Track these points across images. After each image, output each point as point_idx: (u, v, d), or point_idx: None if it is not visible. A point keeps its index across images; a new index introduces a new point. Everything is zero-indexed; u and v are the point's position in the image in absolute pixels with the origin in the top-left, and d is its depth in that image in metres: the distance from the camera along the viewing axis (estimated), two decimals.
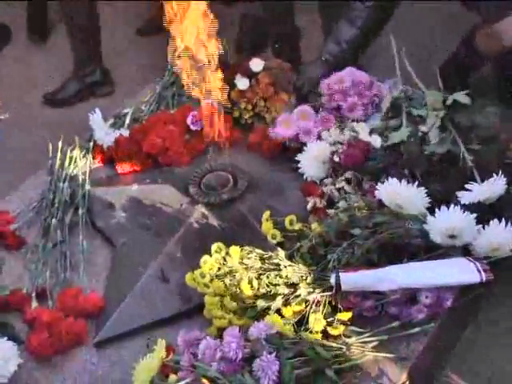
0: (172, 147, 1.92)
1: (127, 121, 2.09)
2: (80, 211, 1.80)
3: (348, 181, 1.67)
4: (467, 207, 1.44)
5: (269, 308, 1.41)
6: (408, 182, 1.50)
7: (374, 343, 1.37)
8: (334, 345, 1.34)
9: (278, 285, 1.42)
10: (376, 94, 1.87)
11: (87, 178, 1.91)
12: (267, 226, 1.59)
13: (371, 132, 1.73)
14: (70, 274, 1.67)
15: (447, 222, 1.41)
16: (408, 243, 1.44)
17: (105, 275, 1.66)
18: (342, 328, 1.37)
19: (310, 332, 1.36)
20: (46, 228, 1.78)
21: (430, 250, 1.44)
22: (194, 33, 1.66)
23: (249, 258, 1.47)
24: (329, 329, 1.37)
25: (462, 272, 1.39)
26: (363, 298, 1.40)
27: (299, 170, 1.79)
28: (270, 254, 1.49)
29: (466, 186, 1.48)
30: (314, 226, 1.55)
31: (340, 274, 1.38)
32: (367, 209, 1.53)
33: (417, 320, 1.39)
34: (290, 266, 1.45)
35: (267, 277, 1.43)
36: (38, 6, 3.40)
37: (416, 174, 1.57)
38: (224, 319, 1.42)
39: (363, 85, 1.86)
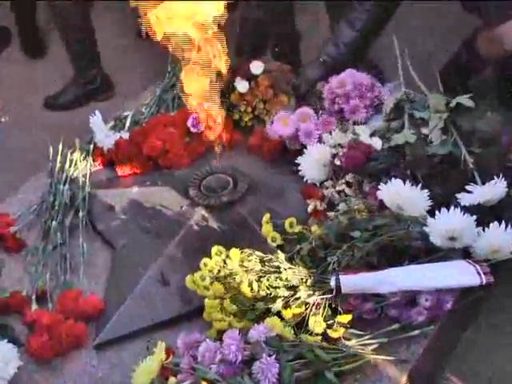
0: (172, 150, 1.92)
1: (127, 123, 2.09)
2: (80, 213, 1.80)
3: (348, 184, 1.67)
4: (467, 209, 1.44)
5: (269, 310, 1.41)
6: (411, 184, 1.50)
7: (374, 346, 1.36)
8: (333, 347, 1.34)
9: (278, 287, 1.42)
10: (377, 96, 1.86)
11: (87, 180, 1.91)
12: (267, 229, 1.59)
13: (373, 134, 1.73)
14: (70, 277, 1.67)
15: (447, 224, 1.40)
16: (408, 246, 1.44)
17: (105, 277, 1.66)
18: (341, 330, 1.37)
19: (310, 334, 1.36)
20: (46, 230, 1.79)
21: (430, 253, 1.43)
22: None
23: (249, 261, 1.47)
24: (329, 331, 1.36)
25: (461, 274, 1.38)
26: (363, 301, 1.39)
27: (299, 173, 1.79)
28: (270, 256, 1.49)
29: (466, 187, 1.48)
30: (314, 228, 1.55)
31: (340, 276, 1.38)
32: (367, 211, 1.53)
33: (417, 322, 1.38)
34: (289, 268, 1.45)
35: (267, 279, 1.43)
36: (26, 21, 3.31)
37: (417, 175, 1.57)
38: (224, 322, 1.41)
39: (364, 86, 1.85)
